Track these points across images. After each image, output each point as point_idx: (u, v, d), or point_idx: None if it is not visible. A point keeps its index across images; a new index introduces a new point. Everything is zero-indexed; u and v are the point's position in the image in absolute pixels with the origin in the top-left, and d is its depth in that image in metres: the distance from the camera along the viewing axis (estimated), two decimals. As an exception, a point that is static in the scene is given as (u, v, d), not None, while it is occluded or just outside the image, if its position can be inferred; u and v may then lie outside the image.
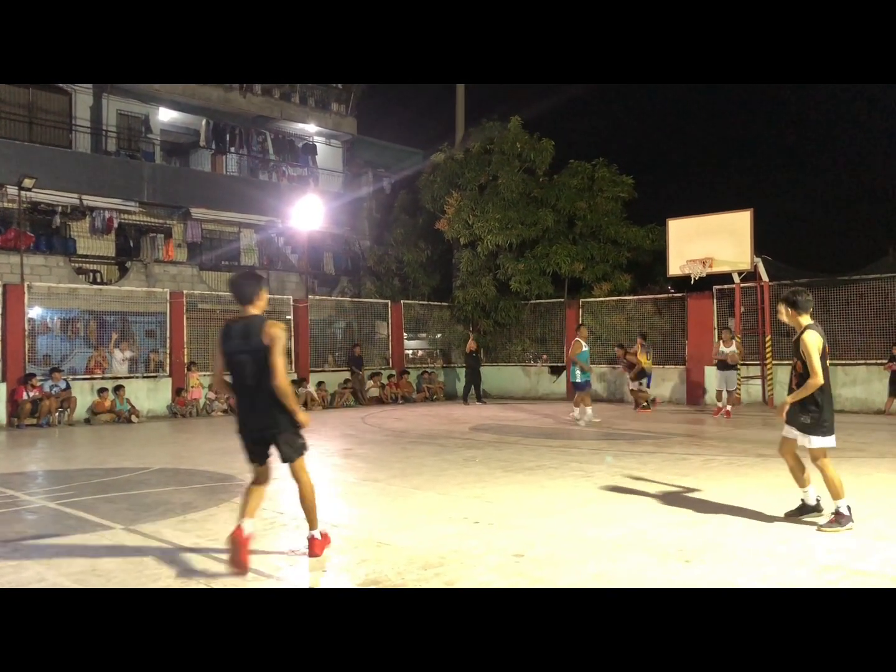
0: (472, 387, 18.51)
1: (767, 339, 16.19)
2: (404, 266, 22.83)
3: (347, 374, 18.76)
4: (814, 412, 5.45)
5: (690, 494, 6.76)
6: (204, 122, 22.69)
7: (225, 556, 4.60)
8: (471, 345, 18.72)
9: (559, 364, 19.79)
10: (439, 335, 22.51)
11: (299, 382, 17.58)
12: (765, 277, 16.35)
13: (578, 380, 13.07)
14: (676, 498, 6.60)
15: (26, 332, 14.61)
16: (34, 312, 15.63)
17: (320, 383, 17.90)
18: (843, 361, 15.36)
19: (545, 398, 19.77)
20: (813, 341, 5.31)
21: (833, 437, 5.50)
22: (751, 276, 16.47)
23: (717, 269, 16.48)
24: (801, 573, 4.34)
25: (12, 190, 17.52)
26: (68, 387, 14.42)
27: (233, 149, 23.69)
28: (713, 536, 5.23)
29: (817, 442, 5.44)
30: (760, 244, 16.41)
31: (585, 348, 13.16)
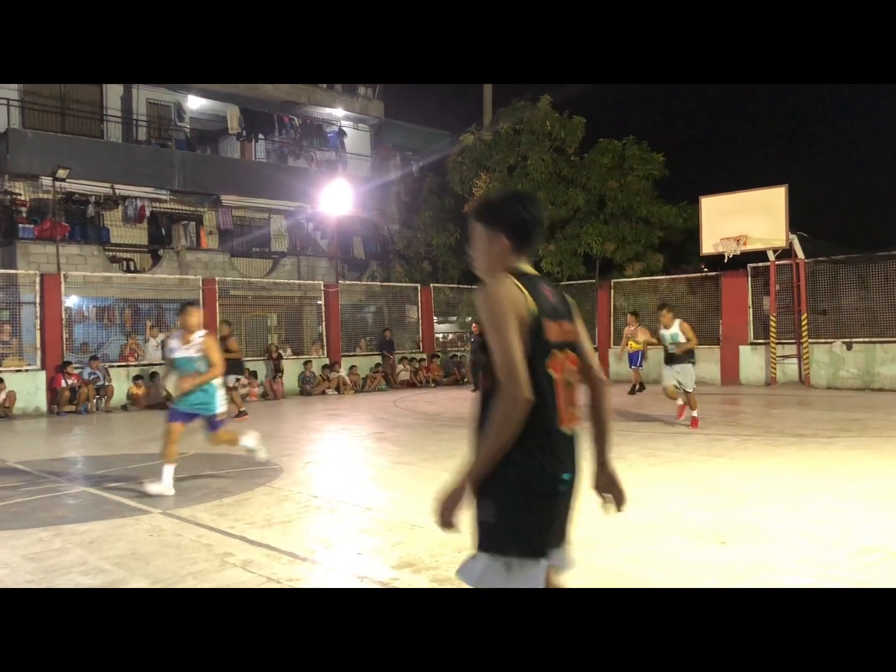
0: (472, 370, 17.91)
1: (804, 317, 15.93)
2: (433, 249, 22.80)
3: (378, 359, 18.84)
4: (490, 499, 2.13)
5: (726, 475, 6.69)
6: (232, 109, 22.79)
7: (260, 540, 4.65)
8: (476, 326, 18.54)
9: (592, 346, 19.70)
10: (469, 318, 22.48)
11: (331, 366, 17.71)
12: (800, 254, 16.07)
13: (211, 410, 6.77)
14: (711, 479, 6.53)
15: (63, 321, 14.86)
16: (70, 301, 15.89)
17: (352, 367, 18.01)
18: (883, 339, 15.08)
19: (577, 380, 19.66)
20: (495, 304, 2.17)
21: (521, 572, 2.12)
22: (786, 253, 16.20)
23: (751, 246, 16.23)
24: (839, 555, 4.28)
25: (47, 181, 17.78)
26: (107, 374, 14.67)
27: (261, 135, 23.78)
28: (749, 517, 5.18)
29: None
30: (796, 221, 16.11)
31: (177, 349, 6.76)
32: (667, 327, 10.22)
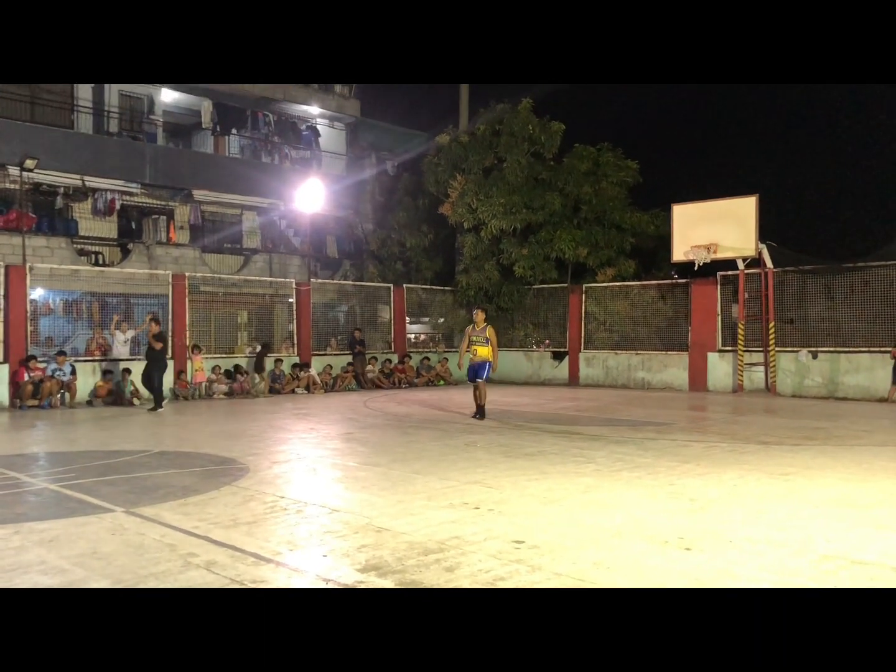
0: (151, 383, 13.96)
1: (771, 325, 16.15)
2: (407, 250, 22.77)
3: (349, 358, 18.74)
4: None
5: (691, 481, 6.75)
6: (206, 103, 22.56)
7: (225, 540, 4.59)
8: (153, 328, 13.97)
9: (562, 350, 19.84)
10: (441, 320, 22.48)
11: (302, 366, 17.59)
12: (769, 264, 16.29)
13: None
14: (677, 485, 6.59)
15: (28, 314, 14.59)
16: (36, 294, 15.61)
17: (328, 366, 17.89)
18: (847, 349, 15.34)
19: (547, 383, 19.79)
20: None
21: None
22: (755, 262, 16.42)
23: (721, 255, 16.43)
24: (800, 563, 4.33)
25: (14, 170, 17.46)
26: (73, 371, 14.39)
27: (235, 130, 23.57)
28: (713, 524, 5.23)
29: None
30: (766, 230, 16.34)
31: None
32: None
